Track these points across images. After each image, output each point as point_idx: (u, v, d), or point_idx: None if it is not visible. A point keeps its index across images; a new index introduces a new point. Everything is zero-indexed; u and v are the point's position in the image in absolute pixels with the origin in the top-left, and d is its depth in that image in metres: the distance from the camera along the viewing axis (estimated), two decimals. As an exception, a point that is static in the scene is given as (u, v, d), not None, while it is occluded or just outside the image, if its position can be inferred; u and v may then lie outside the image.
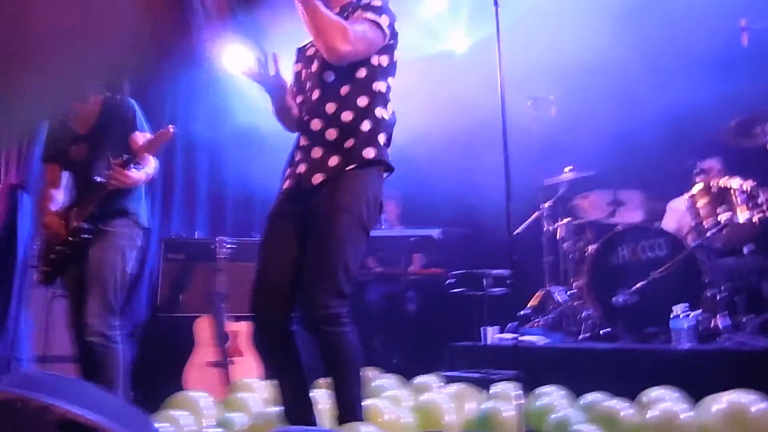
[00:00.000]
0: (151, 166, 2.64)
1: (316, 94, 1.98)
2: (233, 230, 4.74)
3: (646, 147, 4.32)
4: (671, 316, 2.96)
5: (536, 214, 4.19)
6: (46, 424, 0.95)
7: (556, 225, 4.10)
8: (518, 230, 3.99)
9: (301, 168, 1.96)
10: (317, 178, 1.91)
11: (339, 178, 1.89)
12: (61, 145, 2.74)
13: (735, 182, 3.33)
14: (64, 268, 2.68)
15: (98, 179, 2.55)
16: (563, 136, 4.17)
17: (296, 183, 1.97)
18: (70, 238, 2.61)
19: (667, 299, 3.13)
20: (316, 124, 1.96)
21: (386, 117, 1.98)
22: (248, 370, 3.56)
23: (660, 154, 4.29)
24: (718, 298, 3.08)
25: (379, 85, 1.97)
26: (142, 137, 2.68)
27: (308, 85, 2.04)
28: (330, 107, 1.94)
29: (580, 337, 3.55)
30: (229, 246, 3.73)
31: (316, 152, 1.94)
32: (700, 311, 3.07)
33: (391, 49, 2.01)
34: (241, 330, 3.64)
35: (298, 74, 2.14)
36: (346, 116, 1.92)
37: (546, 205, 4.13)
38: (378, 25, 1.90)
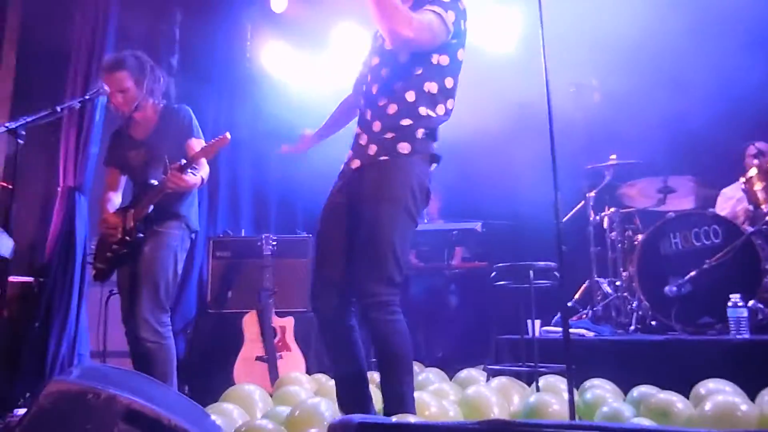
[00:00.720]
0: (205, 170, 2.73)
1: (374, 89, 2.03)
2: (277, 228, 4.83)
3: (696, 131, 4.17)
4: (728, 305, 2.85)
5: (581, 203, 4.10)
6: (113, 414, 1.00)
7: (602, 214, 4.00)
8: (563, 220, 3.91)
9: (350, 153, 2.07)
10: (355, 163, 2.00)
11: (377, 166, 1.93)
12: (121, 150, 2.87)
13: (793, 165, 3.18)
14: (118, 266, 2.80)
15: (154, 182, 2.65)
16: (608, 123, 4.06)
17: (345, 169, 2.07)
18: (126, 238, 2.71)
19: (722, 288, 3.01)
20: (367, 114, 2.04)
21: (432, 115, 1.99)
22: (296, 364, 3.62)
23: (711, 137, 4.13)
24: (777, 286, 2.96)
25: (431, 86, 1.97)
26: (197, 143, 2.78)
27: (369, 77, 2.09)
28: (382, 101, 2.00)
29: (631, 328, 3.46)
30: (274, 243, 3.79)
31: (362, 139, 2.03)
32: (757, 300, 2.95)
33: (454, 48, 2.00)
34: (288, 325, 3.70)
35: (364, 63, 2.20)
36: (392, 109, 1.97)
37: (591, 194, 4.03)
38: (443, 19, 1.91)
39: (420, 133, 1.95)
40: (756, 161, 3.58)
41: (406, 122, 1.95)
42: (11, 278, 2.85)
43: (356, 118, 2.14)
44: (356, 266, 1.90)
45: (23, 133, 2.35)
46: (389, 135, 1.95)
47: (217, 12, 4.76)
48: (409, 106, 1.95)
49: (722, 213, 3.67)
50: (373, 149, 1.96)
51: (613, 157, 3.95)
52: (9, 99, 3.92)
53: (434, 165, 2.03)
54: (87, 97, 2.77)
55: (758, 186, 3.24)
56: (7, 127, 2.27)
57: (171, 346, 2.70)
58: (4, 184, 3.69)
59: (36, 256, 3.80)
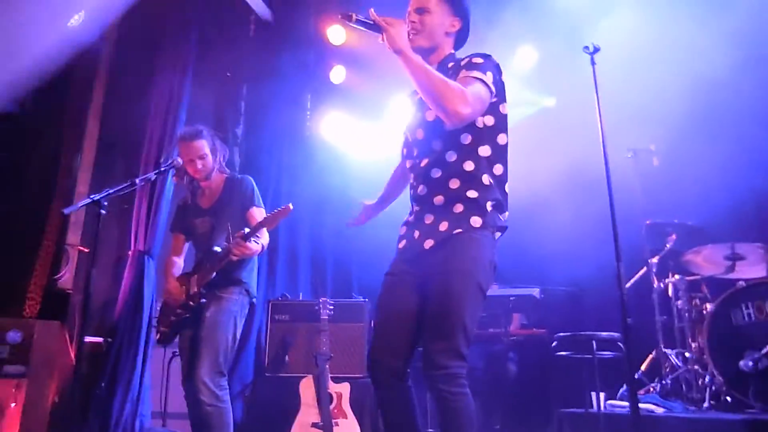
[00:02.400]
0: (265, 238, 2.85)
1: (424, 162, 1.99)
2: (334, 292, 4.88)
3: (764, 194, 4.02)
4: (812, 383, 2.66)
5: (643, 270, 3.97)
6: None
7: (666, 281, 3.85)
8: (626, 286, 3.79)
9: (416, 233, 2.00)
10: (428, 243, 1.93)
11: (451, 241, 1.90)
12: (187, 218, 3.03)
13: None
14: (181, 330, 2.89)
15: (218, 249, 2.76)
16: (669, 188, 3.98)
17: (410, 246, 2.01)
18: (190, 303, 2.82)
19: (804, 363, 2.82)
20: (422, 190, 2.00)
21: (493, 182, 1.96)
22: (351, 431, 3.57)
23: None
24: None
25: (484, 150, 1.95)
26: (258, 212, 2.93)
27: (415, 151, 2.06)
28: (436, 173, 1.96)
29: (704, 405, 3.25)
30: (331, 307, 3.83)
31: (428, 218, 1.97)
32: None
33: (496, 105, 1.97)
34: (344, 391, 3.68)
35: (405, 137, 2.17)
36: (454, 183, 1.94)
37: (654, 260, 3.91)
38: (485, 83, 1.89)
39: (489, 205, 1.93)
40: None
41: (472, 194, 1.92)
42: (86, 338, 2.99)
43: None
44: (425, 336, 1.88)
45: (105, 203, 2.53)
46: (459, 208, 1.92)
47: (280, 84, 5.04)
48: (469, 176, 1.93)
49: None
50: (444, 225, 1.92)
51: (675, 220, 3.85)
52: (91, 169, 4.22)
53: (499, 235, 2.01)
54: (162, 168, 2.97)
55: (837, 253, 3.07)
56: (92, 198, 2.45)
57: (228, 410, 2.73)
58: (84, 249, 3.94)
59: (106, 317, 3.97)
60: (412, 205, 2.07)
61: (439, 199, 1.95)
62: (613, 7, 4.32)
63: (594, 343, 2.78)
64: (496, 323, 4.35)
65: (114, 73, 4.44)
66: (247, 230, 2.68)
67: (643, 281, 3.96)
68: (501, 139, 1.99)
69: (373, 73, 5.10)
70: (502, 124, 1.99)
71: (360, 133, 5.33)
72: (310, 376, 3.72)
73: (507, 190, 2.01)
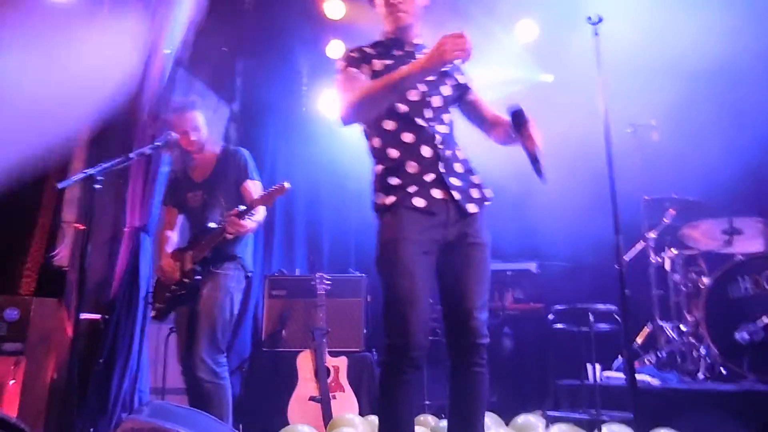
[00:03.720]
0: (261, 214, 2.82)
1: (443, 128, 2.01)
2: (330, 267, 4.89)
3: (762, 168, 4.00)
4: (806, 354, 2.68)
5: (641, 244, 3.97)
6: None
7: (663, 255, 3.86)
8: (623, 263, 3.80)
9: (455, 194, 1.92)
10: (472, 208, 1.94)
11: (483, 210, 1.97)
12: (180, 191, 2.99)
13: None
14: (176, 306, 2.88)
15: (213, 225, 2.74)
16: (668, 162, 3.96)
17: (445, 207, 1.90)
18: (185, 279, 2.81)
19: (799, 336, 2.84)
20: (445, 152, 1.96)
21: None
22: (349, 405, 3.60)
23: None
24: None
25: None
26: (253, 186, 2.89)
27: (430, 112, 1.99)
28: (451, 142, 2.03)
29: (699, 376, 3.29)
30: (328, 282, 3.84)
31: (456, 182, 1.94)
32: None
33: None
34: (342, 365, 3.70)
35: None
36: (460, 153, 2.03)
37: (652, 234, 3.91)
38: None
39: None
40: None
41: (473, 165, 2.03)
42: (82, 315, 2.98)
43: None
44: (469, 306, 1.87)
45: (100, 178, 2.50)
46: (476, 179, 2.01)
47: (276, 59, 4.97)
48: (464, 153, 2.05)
49: (795, 254, 3.49)
50: (476, 193, 1.98)
51: (674, 195, 3.85)
52: (86, 144, 4.17)
53: None
54: (158, 143, 2.93)
55: (834, 226, 3.07)
56: (86, 173, 2.42)
57: (227, 387, 2.75)
58: (80, 226, 3.91)
59: (103, 293, 3.97)
60: (428, 166, 1.92)
61: (459, 167, 1.98)
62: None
63: (591, 315, 2.79)
64: (491, 297, 4.37)
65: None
66: (242, 208, 2.66)
67: (641, 256, 3.97)
68: None
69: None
70: None
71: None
72: (308, 351, 3.74)
73: None
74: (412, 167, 1.92)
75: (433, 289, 1.90)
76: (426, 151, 1.94)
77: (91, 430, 3.44)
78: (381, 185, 1.96)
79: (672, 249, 3.83)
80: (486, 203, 1.98)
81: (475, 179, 2.00)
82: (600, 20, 2.37)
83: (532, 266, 4.03)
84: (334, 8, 5.06)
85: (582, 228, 4.10)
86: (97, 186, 2.52)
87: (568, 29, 3.94)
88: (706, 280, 3.46)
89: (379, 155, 2.01)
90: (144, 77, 4.30)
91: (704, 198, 3.82)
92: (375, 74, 1.99)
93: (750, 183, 4.02)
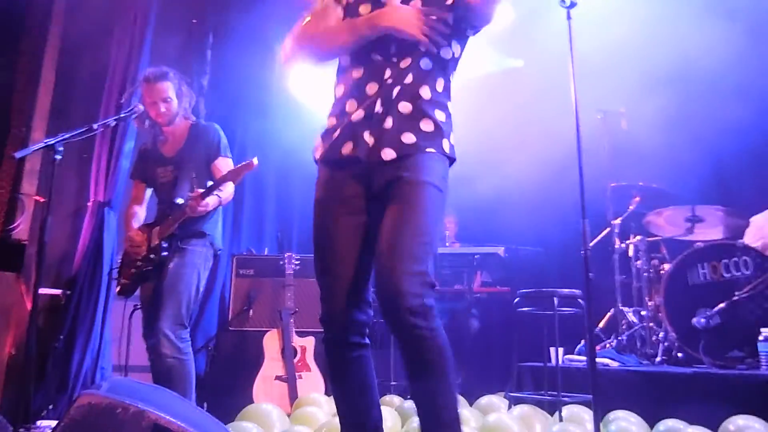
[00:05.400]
0: (228, 190, 2.77)
1: (404, 63, 1.66)
2: (299, 247, 4.86)
3: (725, 159, 4.11)
4: (759, 339, 2.78)
5: (606, 230, 4.05)
6: (141, 428, 1.02)
7: (628, 242, 3.94)
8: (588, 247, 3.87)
9: (367, 136, 1.63)
10: (388, 154, 1.59)
11: (417, 157, 1.60)
12: (149, 165, 2.92)
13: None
14: (142, 282, 2.83)
15: (180, 201, 2.68)
16: (636, 150, 4.03)
17: (358, 152, 1.64)
18: (151, 255, 2.76)
19: (752, 321, 2.95)
20: (393, 90, 1.64)
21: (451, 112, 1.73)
22: (315, 385, 3.61)
23: (740, 165, 4.08)
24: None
25: (451, 76, 1.75)
26: (224, 162, 2.83)
27: (393, 47, 1.68)
28: (409, 78, 1.65)
29: (657, 360, 3.39)
30: (297, 262, 3.82)
31: (387, 122, 1.62)
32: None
33: (466, 40, 1.78)
34: (309, 345, 3.70)
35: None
36: (425, 93, 1.65)
37: (617, 221, 3.98)
38: None
39: (452, 137, 1.75)
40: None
41: (440, 116, 1.72)
42: (41, 290, 2.92)
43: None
44: (387, 259, 1.50)
45: (60, 149, 2.42)
46: (427, 125, 1.68)
47: (248, 35, 4.87)
48: (439, 94, 1.73)
49: (753, 243, 3.60)
50: (409, 138, 1.64)
51: (640, 183, 3.92)
52: (47, 116, 4.04)
53: None
54: (123, 114, 2.85)
55: (790, 216, 3.17)
56: (46, 143, 2.34)
57: (190, 362, 2.72)
58: (40, 198, 3.80)
59: (65, 269, 3.88)
60: (363, 101, 1.67)
61: (406, 107, 1.63)
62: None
63: (555, 299, 2.84)
64: (459, 280, 4.41)
65: (71, 15, 4.20)
66: (210, 184, 2.60)
67: (606, 242, 4.05)
68: (453, 78, 1.78)
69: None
70: (456, 64, 1.78)
71: (330, 87, 5.21)
72: (275, 330, 3.73)
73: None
74: (349, 105, 1.68)
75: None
76: (371, 88, 1.66)
77: (50, 407, 3.38)
78: (321, 131, 1.75)
79: (636, 236, 3.91)
80: (428, 150, 1.60)
81: (424, 124, 1.63)
82: (573, 4, 2.38)
83: (500, 250, 4.07)
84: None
85: (550, 213, 4.17)
86: (58, 157, 2.45)
87: (541, 13, 3.94)
88: (667, 266, 3.55)
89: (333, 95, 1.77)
90: (111, 44, 4.17)
91: (669, 186, 3.91)
92: (346, 8, 1.74)
93: (712, 172, 4.13)
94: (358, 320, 1.64)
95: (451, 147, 1.69)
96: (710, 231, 3.72)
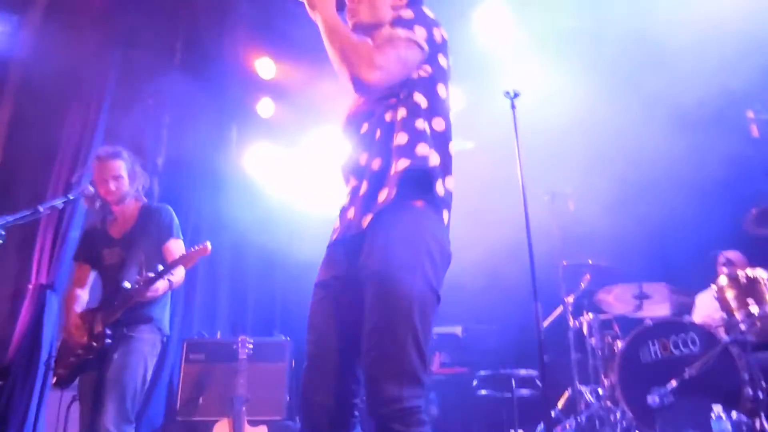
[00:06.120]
0: (178, 275, 2.69)
1: (365, 128, 1.64)
2: (254, 329, 4.72)
3: (666, 237, 4.31)
4: (712, 417, 2.81)
5: (560, 308, 4.11)
6: None
7: (581, 319, 4.00)
8: (543, 326, 3.91)
9: (351, 212, 1.59)
10: (367, 219, 1.52)
11: (389, 213, 1.49)
12: (95, 246, 2.82)
13: (762, 272, 3.27)
14: (81, 373, 2.67)
15: (127, 285, 2.58)
16: (584, 229, 4.18)
17: (344, 231, 1.60)
18: (93, 343, 2.61)
19: (704, 398, 2.98)
20: (363, 159, 1.61)
21: (437, 129, 1.61)
22: (267, 478, 3.40)
23: (683, 244, 4.27)
24: (761, 397, 2.93)
25: (419, 98, 1.61)
26: (176, 244, 2.77)
27: (354, 118, 1.70)
28: (376, 134, 1.61)
29: (616, 440, 3.36)
30: (250, 346, 3.69)
31: (363, 189, 1.57)
32: (740, 412, 2.91)
33: (434, 57, 1.64)
34: (261, 435, 3.52)
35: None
36: (400, 139, 1.56)
37: (569, 299, 4.06)
38: (412, 41, 1.57)
39: (434, 157, 1.59)
40: (726, 270, 3.69)
41: (402, 139, 1.60)
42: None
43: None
44: (366, 361, 1.44)
45: (2, 233, 2.33)
46: (403, 163, 1.56)
47: (205, 115, 4.93)
48: (402, 123, 1.61)
49: (698, 319, 3.71)
50: (383, 195, 1.56)
51: (590, 261, 4.04)
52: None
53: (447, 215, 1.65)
54: (71, 197, 2.78)
55: (730, 294, 3.30)
56: (-14, 226, 2.25)
57: (134, 459, 2.53)
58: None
59: (-1, 356, 3.63)
60: (347, 183, 1.68)
61: (377, 163, 1.57)
62: (531, 54, 4.58)
63: (513, 381, 2.82)
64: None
65: (23, 90, 4.16)
66: (160, 268, 2.53)
67: (560, 319, 4.10)
68: (441, 90, 1.66)
69: (301, 107, 5.09)
70: (440, 75, 1.66)
71: (285, 167, 5.28)
72: (226, 420, 3.53)
73: (451, 151, 1.63)
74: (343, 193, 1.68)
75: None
76: (348, 165, 1.68)
77: None
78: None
79: (589, 313, 3.98)
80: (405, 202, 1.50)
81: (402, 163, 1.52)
82: (516, 95, 2.53)
83: (458, 330, 4.06)
84: (265, 67, 5.12)
85: (505, 291, 4.21)
86: (0, 241, 2.35)
87: (489, 101, 4.17)
88: (620, 343, 3.60)
89: None
90: (64, 122, 4.13)
91: (617, 264, 4.04)
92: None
93: (656, 250, 4.31)
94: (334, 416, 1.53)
95: (442, 192, 1.56)
96: (658, 307, 3.83)
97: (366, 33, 1.66)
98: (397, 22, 1.61)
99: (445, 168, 1.60)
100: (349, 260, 1.56)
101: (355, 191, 1.61)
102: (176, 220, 2.87)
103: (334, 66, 1.56)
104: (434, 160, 1.56)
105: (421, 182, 1.53)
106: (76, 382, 2.70)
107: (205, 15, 4.94)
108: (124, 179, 2.79)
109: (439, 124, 1.62)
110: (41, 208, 2.60)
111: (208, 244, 2.47)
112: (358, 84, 1.52)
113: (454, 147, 1.65)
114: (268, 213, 4.72)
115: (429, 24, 1.64)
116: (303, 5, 1.64)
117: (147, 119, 4.92)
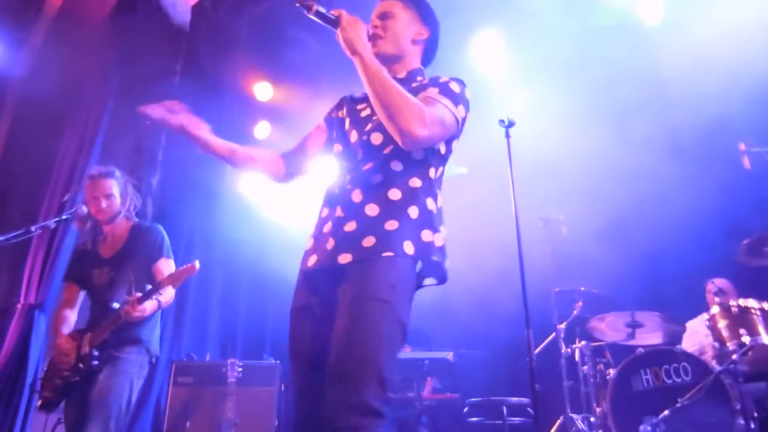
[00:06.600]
0: (167, 295, 2.67)
1: (368, 166, 1.70)
2: (244, 353, 4.67)
3: (657, 266, 4.33)
4: (704, 448, 2.79)
5: (552, 335, 4.09)
6: None
7: (573, 347, 3.98)
8: (535, 353, 3.89)
9: (329, 243, 1.64)
10: (345, 258, 1.58)
11: (372, 262, 1.55)
12: (84, 266, 2.80)
13: (753, 302, 3.29)
14: (67, 396, 2.62)
15: (116, 306, 2.56)
16: (576, 256, 4.20)
17: (321, 260, 1.65)
18: (80, 365, 2.58)
19: (697, 428, 2.96)
20: (357, 196, 1.67)
21: (434, 210, 1.69)
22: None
23: (675, 272, 4.29)
24: (753, 427, 2.92)
25: (432, 172, 1.72)
26: (166, 264, 2.75)
27: (360, 153, 1.74)
28: (377, 178, 1.67)
29: (608, 470, 3.32)
30: (240, 369, 3.65)
31: (350, 226, 1.63)
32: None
33: (453, 139, 1.77)
34: (248, 461, 3.46)
35: (339, 124, 1.89)
36: (394, 194, 1.65)
37: (562, 326, 4.04)
38: (454, 116, 1.67)
39: (427, 234, 1.67)
40: (717, 299, 3.70)
41: (413, 213, 1.66)
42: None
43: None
44: (329, 387, 1.47)
45: (-8, 252, 2.32)
46: (392, 224, 1.62)
47: (201, 137, 4.93)
48: (413, 190, 1.69)
49: (690, 347, 3.71)
50: (370, 241, 1.61)
51: (582, 288, 4.05)
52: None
53: (433, 282, 1.76)
54: (64, 217, 2.77)
55: (722, 323, 3.31)
56: (-24, 245, 2.24)
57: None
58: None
59: (-17, 378, 3.56)
60: (332, 210, 1.71)
61: (372, 208, 1.63)
62: (526, 83, 4.66)
63: (504, 408, 2.79)
64: (409, 387, 4.30)
65: (21, 109, 4.18)
66: (149, 287, 2.51)
67: (552, 346, 4.08)
68: (441, 170, 1.77)
69: (297, 130, 5.12)
70: (448, 156, 1.79)
71: (279, 191, 5.29)
72: (213, 445, 3.48)
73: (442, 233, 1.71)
74: (323, 212, 1.75)
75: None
76: (338, 194, 1.73)
77: None
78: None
79: (581, 341, 3.96)
80: (384, 254, 1.56)
81: (389, 225, 1.60)
82: (511, 124, 2.56)
83: (449, 355, 4.03)
84: (262, 90, 5.18)
85: (497, 317, 4.20)
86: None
87: (483, 129, 4.21)
88: (612, 371, 3.58)
89: None
90: (60, 141, 4.14)
91: (609, 291, 4.04)
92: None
93: (648, 279, 4.32)
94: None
95: (420, 246, 1.63)
96: (650, 336, 3.82)
97: (385, 63, 1.72)
98: (445, 92, 1.70)
99: (439, 248, 1.68)
100: (329, 287, 1.61)
101: (339, 223, 1.66)
102: (167, 239, 2.86)
103: (379, 114, 1.62)
104: (430, 241, 1.65)
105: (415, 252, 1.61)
106: (62, 405, 2.66)
107: (205, 38, 5.00)
108: (116, 198, 2.79)
109: (438, 203, 1.73)
110: (33, 228, 2.59)
111: (197, 263, 2.46)
112: (407, 137, 1.58)
113: (441, 200, 1.75)
114: (261, 234, 4.72)
115: (467, 108, 1.74)
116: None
117: (144, 140, 4.94)
